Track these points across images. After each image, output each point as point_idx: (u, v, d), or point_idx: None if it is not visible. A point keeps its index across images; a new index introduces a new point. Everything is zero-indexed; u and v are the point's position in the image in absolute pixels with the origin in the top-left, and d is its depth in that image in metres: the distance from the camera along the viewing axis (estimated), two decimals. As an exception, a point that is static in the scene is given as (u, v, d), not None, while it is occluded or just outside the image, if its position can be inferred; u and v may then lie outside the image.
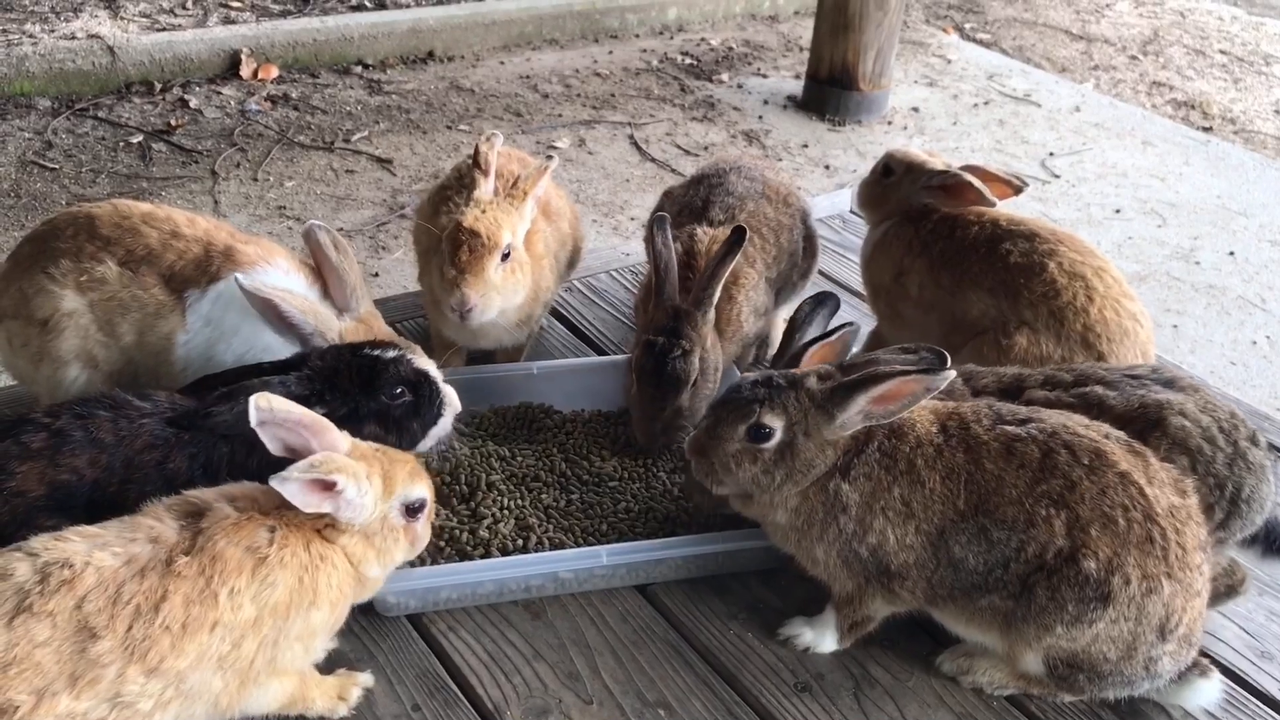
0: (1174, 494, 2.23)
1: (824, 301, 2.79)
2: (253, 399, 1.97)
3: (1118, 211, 7.16)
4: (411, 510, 2.16)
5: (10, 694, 1.70)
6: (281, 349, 2.70)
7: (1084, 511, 2.18)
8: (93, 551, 1.83)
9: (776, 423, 2.30)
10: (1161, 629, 2.20)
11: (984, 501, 2.23)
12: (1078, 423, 2.29)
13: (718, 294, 2.93)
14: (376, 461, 2.10)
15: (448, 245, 2.96)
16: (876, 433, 2.31)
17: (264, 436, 2.02)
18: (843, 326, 2.64)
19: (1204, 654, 2.40)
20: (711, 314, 2.94)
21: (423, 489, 2.18)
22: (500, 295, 2.99)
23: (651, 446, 2.94)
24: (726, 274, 2.92)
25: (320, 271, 2.81)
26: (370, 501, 2.06)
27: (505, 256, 2.96)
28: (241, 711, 2.04)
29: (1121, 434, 2.31)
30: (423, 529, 2.24)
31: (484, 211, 2.97)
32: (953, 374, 2.24)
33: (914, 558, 2.30)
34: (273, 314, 2.59)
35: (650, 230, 3.04)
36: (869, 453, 2.30)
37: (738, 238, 2.89)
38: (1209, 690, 2.33)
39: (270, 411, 1.99)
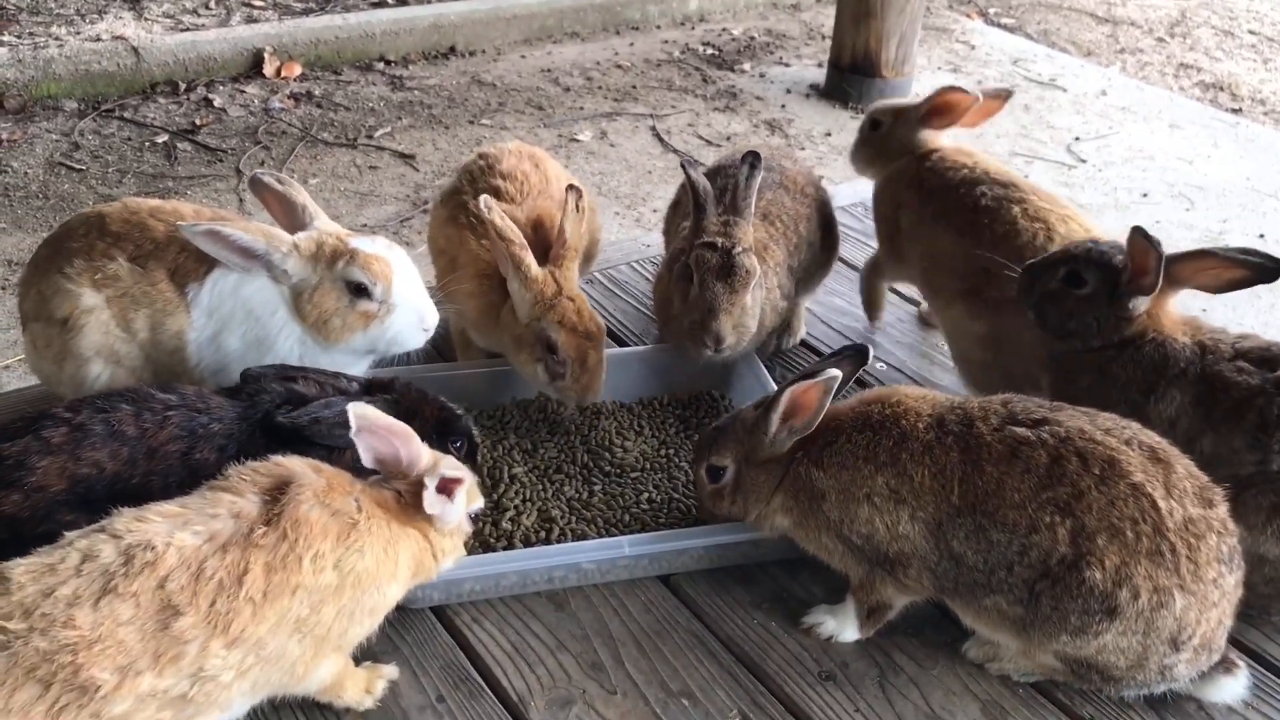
0: (1196, 505, 2.17)
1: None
2: (350, 408, 2.08)
3: (1145, 195, 7.09)
4: (473, 520, 2.35)
5: (94, 671, 1.73)
6: (281, 337, 2.76)
7: (1090, 521, 2.13)
8: (174, 532, 1.87)
9: (725, 460, 2.49)
10: (1174, 641, 2.17)
11: (982, 502, 2.20)
12: (1099, 426, 2.24)
13: (753, 206, 3.03)
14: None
15: (575, 354, 2.86)
16: (844, 426, 2.37)
17: (360, 444, 2.12)
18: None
19: (1235, 640, 2.37)
20: (751, 228, 3.03)
21: (481, 502, 2.37)
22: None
23: (721, 346, 2.95)
24: (755, 189, 3.03)
25: (273, 212, 2.86)
26: (461, 507, 2.21)
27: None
28: (308, 682, 2.09)
29: (1151, 438, 2.25)
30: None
31: (580, 310, 2.87)
32: (836, 374, 2.29)
33: (910, 547, 2.29)
34: (220, 244, 2.64)
35: (683, 168, 3.12)
36: (839, 444, 2.35)
37: (754, 159, 3.03)
38: (1234, 687, 2.30)
39: (367, 419, 2.09)
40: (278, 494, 1.99)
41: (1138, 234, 2.54)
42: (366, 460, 2.14)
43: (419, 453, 2.16)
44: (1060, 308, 2.72)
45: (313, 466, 2.08)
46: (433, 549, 2.20)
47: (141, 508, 1.92)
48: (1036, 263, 2.82)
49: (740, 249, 2.93)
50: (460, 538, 2.29)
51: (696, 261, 2.95)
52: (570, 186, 2.94)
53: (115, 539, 1.84)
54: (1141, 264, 2.56)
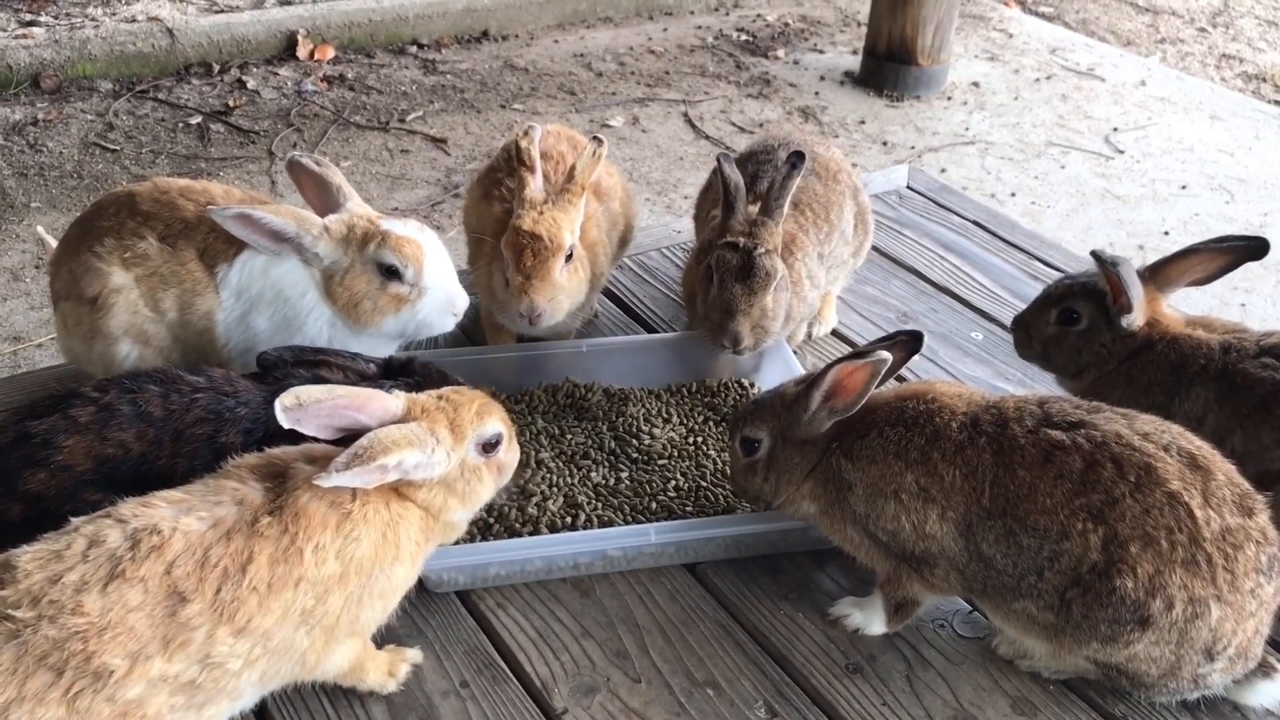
0: (1235, 514, 2.11)
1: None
2: (278, 400, 1.92)
3: (1184, 188, 6.98)
4: (488, 447, 2.15)
5: (106, 658, 1.73)
6: (310, 318, 2.76)
7: (1123, 530, 2.08)
8: (179, 517, 1.85)
9: (760, 433, 2.45)
10: (1209, 651, 2.12)
11: (1013, 506, 2.16)
12: (1137, 431, 2.17)
13: (786, 208, 2.97)
14: (440, 412, 2.07)
15: (510, 251, 2.92)
16: (878, 419, 2.32)
17: (306, 430, 1.97)
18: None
19: (1274, 643, 2.33)
20: (781, 229, 2.97)
21: (495, 424, 2.16)
22: (567, 296, 2.98)
23: (739, 348, 2.93)
24: (792, 190, 2.95)
25: (306, 194, 2.86)
26: (441, 456, 2.04)
27: (568, 258, 2.94)
28: (322, 670, 2.07)
29: (1192, 443, 2.18)
30: (507, 457, 2.24)
31: (541, 213, 2.91)
32: (885, 357, 2.24)
33: (937, 547, 2.25)
34: (251, 228, 2.64)
35: (718, 160, 3.07)
36: (870, 438, 2.31)
37: (797, 159, 2.94)
38: (1273, 690, 2.24)
39: (300, 406, 1.94)
40: (278, 479, 1.97)
41: (1094, 258, 2.59)
42: (328, 439, 2.01)
43: (386, 407, 2.02)
44: (1065, 348, 2.74)
45: (305, 456, 2.03)
46: (436, 515, 2.10)
47: (147, 495, 1.91)
48: (1022, 316, 2.86)
49: (762, 250, 2.88)
50: (475, 476, 2.12)
51: (717, 262, 2.92)
52: (594, 137, 3.04)
53: (121, 524, 1.83)
54: (1113, 285, 2.60)
